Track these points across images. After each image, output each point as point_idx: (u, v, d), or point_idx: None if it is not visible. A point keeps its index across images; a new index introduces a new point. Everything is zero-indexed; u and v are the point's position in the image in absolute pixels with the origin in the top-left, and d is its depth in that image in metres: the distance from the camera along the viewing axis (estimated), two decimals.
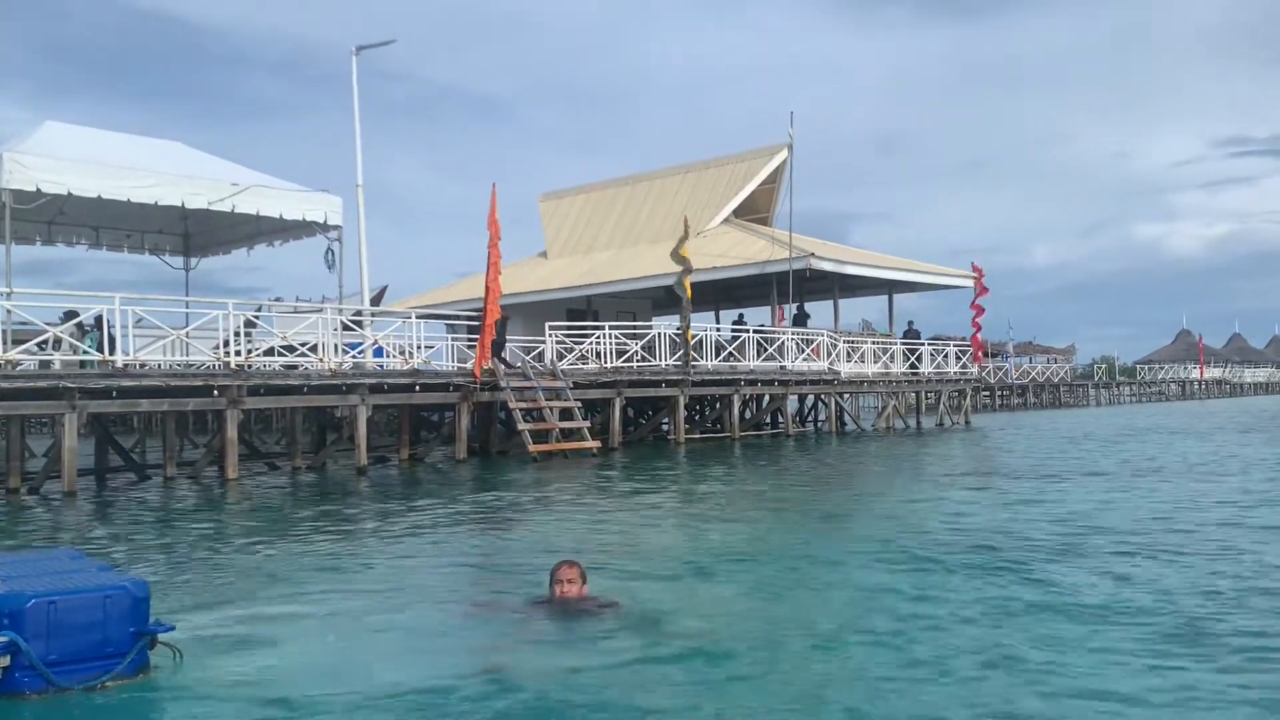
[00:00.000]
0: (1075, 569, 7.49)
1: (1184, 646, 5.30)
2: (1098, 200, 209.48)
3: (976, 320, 34.65)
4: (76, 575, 5.01)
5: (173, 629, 5.14)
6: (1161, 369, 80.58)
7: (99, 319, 16.19)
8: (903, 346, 32.09)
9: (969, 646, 5.35)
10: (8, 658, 4.50)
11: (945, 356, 33.81)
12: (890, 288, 33.93)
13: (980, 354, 36.89)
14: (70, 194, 16.65)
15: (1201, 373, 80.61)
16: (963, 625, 5.87)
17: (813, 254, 27.67)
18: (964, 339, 36.20)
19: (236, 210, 18.51)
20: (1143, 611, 6.08)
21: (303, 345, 18.49)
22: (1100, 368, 77.51)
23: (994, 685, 4.73)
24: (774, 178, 33.04)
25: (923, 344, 33.18)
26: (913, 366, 32.18)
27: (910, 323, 34.82)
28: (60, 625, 4.62)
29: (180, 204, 17.96)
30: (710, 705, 4.55)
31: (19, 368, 15.02)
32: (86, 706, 4.56)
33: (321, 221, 19.78)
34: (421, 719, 4.44)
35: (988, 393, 53.43)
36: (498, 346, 21.74)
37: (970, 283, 34.06)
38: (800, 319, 30.59)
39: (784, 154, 31.29)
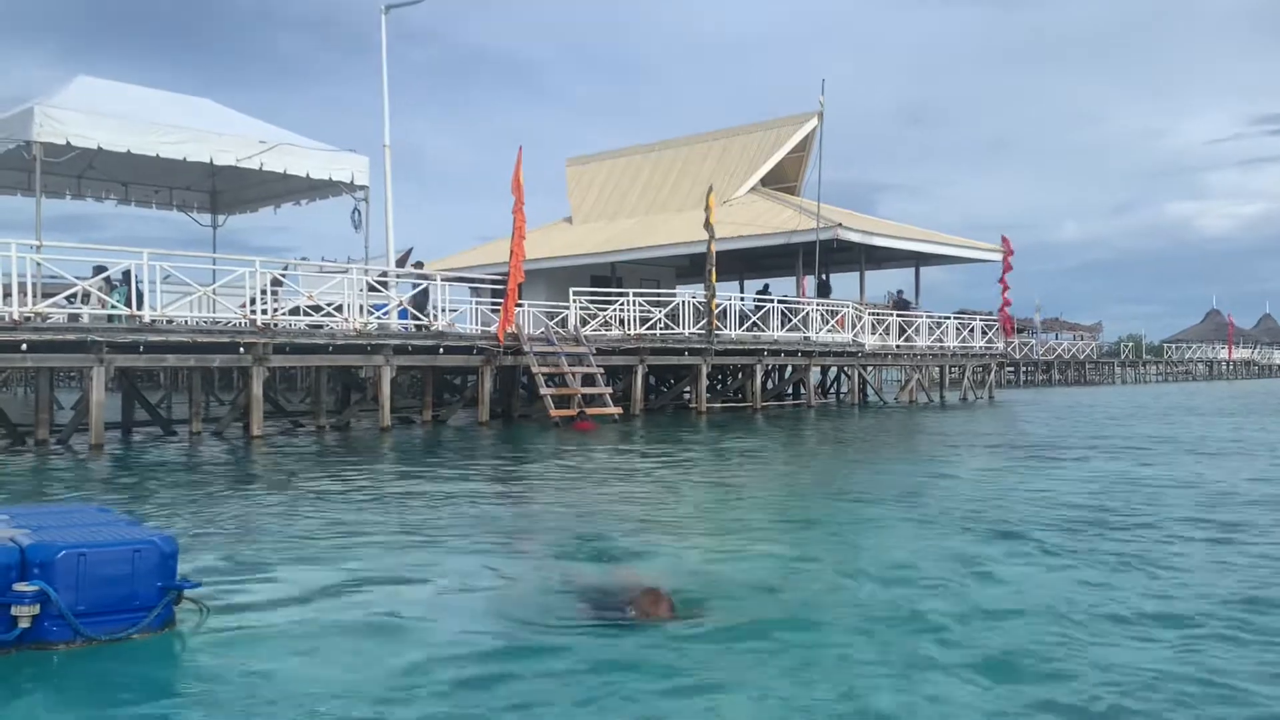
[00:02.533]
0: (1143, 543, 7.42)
1: None
2: (1129, 178, 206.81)
3: (1004, 284, 33.95)
4: (106, 529, 5.06)
5: (199, 585, 5.19)
6: (1189, 348, 79.70)
7: (127, 274, 16.26)
8: (927, 320, 31.78)
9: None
10: (37, 606, 4.55)
11: (970, 331, 33.51)
12: (918, 260, 33.58)
13: (1009, 328, 36.41)
14: (100, 148, 16.68)
15: (1230, 353, 79.67)
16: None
17: (840, 224, 27.42)
18: (989, 313, 35.82)
19: (264, 168, 18.55)
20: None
21: (328, 305, 18.56)
22: (1127, 346, 76.75)
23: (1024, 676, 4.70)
24: (803, 146, 32.71)
25: (920, 315, 32.22)
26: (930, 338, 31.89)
27: (900, 291, 34.16)
28: (89, 577, 4.67)
29: (209, 160, 18.00)
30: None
31: (48, 321, 15.14)
32: (113, 658, 4.61)
33: (348, 181, 19.78)
34: (447, 684, 4.45)
35: (1012, 368, 53.08)
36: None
37: (998, 257, 33.63)
38: (823, 288, 30.32)
39: (813, 122, 30.96)
